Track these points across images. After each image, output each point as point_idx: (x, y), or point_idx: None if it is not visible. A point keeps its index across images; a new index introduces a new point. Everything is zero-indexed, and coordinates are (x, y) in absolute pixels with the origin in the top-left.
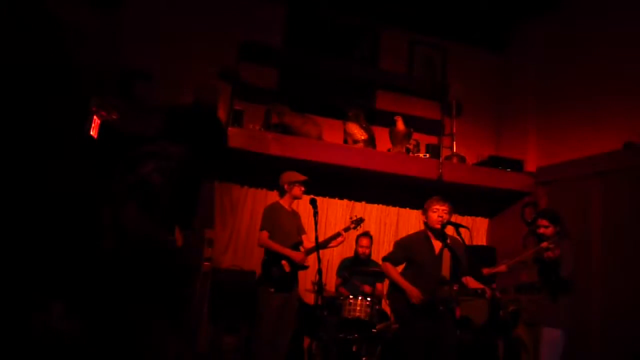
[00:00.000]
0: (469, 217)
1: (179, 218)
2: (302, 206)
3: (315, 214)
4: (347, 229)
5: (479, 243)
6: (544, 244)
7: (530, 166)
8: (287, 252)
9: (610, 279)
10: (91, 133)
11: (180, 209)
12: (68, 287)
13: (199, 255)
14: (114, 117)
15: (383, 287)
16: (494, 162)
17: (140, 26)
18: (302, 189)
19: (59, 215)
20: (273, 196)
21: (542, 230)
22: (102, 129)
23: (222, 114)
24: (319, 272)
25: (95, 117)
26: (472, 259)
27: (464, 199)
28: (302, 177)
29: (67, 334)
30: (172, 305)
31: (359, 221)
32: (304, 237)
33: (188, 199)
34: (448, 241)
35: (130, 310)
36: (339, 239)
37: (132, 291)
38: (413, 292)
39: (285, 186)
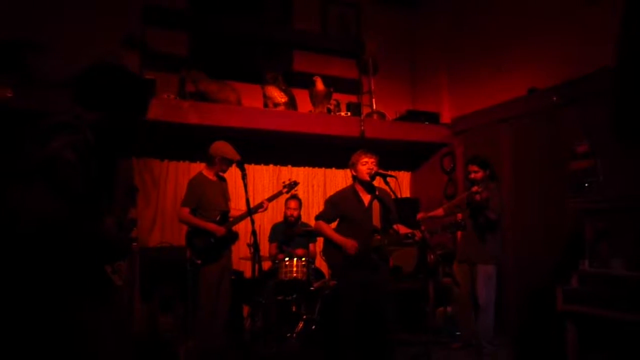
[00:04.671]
0: (391, 172)
1: (99, 198)
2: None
3: (244, 176)
4: (279, 194)
5: (403, 195)
6: (474, 188)
7: (446, 118)
8: (209, 226)
9: (520, 216)
10: None
11: (100, 187)
12: None
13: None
14: (9, 94)
15: (315, 247)
16: (412, 116)
17: None
18: (232, 166)
19: None
20: (196, 168)
21: (472, 176)
22: None
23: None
24: (253, 233)
25: None
26: (400, 210)
27: (386, 155)
28: (237, 157)
29: None
30: (100, 293)
31: (292, 185)
32: (230, 204)
33: (107, 175)
34: (377, 192)
35: (57, 304)
36: (260, 210)
37: (52, 284)
38: (348, 242)
39: (216, 159)
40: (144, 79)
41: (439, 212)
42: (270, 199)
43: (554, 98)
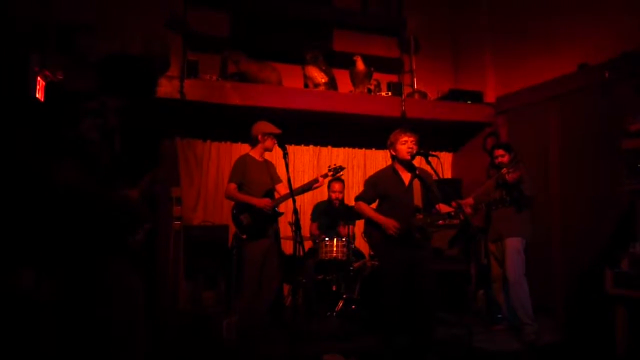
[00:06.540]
0: (433, 153)
1: (130, 173)
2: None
3: (285, 155)
4: (325, 175)
5: (445, 177)
6: (504, 170)
7: (490, 97)
8: (252, 200)
9: (568, 195)
10: (37, 95)
11: (130, 164)
12: (32, 250)
13: (167, 208)
14: (60, 77)
15: (354, 228)
16: (454, 95)
17: None
18: (275, 141)
19: (12, 183)
20: (238, 148)
21: (499, 160)
22: (47, 90)
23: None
24: (295, 211)
25: (39, 77)
26: (441, 191)
27: (428, 135)
28: (277, 130)
29: (39, 299)
30: (127, 252)
31: (338, 169)
32: (278, 185)
33: (141, 153)
34: (417, 172)
35: (92, 263)
36: (316, 185)
37: (85, 245)
38: (389, 223)
39: (259, 137)
40: (151, 62)
41: (469, 200)
42: (324, 176)
43: (606, 74)
